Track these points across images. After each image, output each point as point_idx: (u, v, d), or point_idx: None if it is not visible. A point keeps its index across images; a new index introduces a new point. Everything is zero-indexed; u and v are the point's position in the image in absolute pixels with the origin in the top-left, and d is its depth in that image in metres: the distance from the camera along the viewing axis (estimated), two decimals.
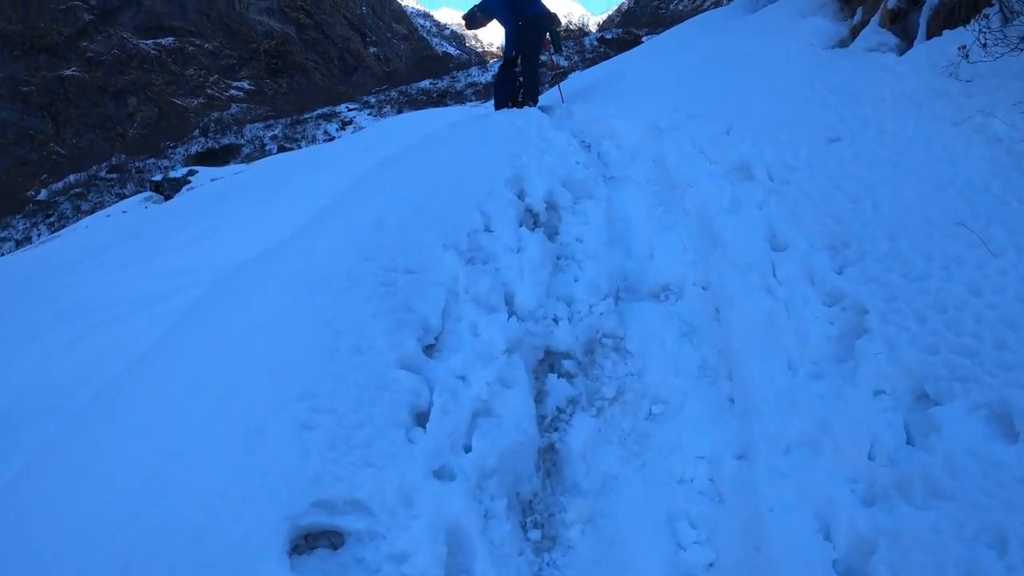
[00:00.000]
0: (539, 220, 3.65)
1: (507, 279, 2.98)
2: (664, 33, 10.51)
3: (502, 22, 6.50)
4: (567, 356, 2.84)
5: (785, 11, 6.06)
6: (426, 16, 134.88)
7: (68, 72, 55.43)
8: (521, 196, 3.72)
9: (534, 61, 6.78)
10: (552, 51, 7.15)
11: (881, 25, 4.69)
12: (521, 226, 3.41)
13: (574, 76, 10.15)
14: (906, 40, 4.41)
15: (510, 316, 2.76)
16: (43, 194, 32.78)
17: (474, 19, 6.73)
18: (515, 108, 6.52)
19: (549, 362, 2.82)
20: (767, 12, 6.54)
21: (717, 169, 3.81)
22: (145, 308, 4.98)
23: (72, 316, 5.35)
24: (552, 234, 3.63)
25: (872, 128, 3.26)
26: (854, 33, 5.05)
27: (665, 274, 3.31)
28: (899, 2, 4.54)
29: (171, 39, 61.70)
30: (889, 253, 2.47)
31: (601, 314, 3.00)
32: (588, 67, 26.92)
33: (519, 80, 6.89)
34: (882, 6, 4.72)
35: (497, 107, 6.89)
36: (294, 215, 5.23)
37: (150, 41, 60.66)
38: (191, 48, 62.40)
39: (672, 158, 4.24)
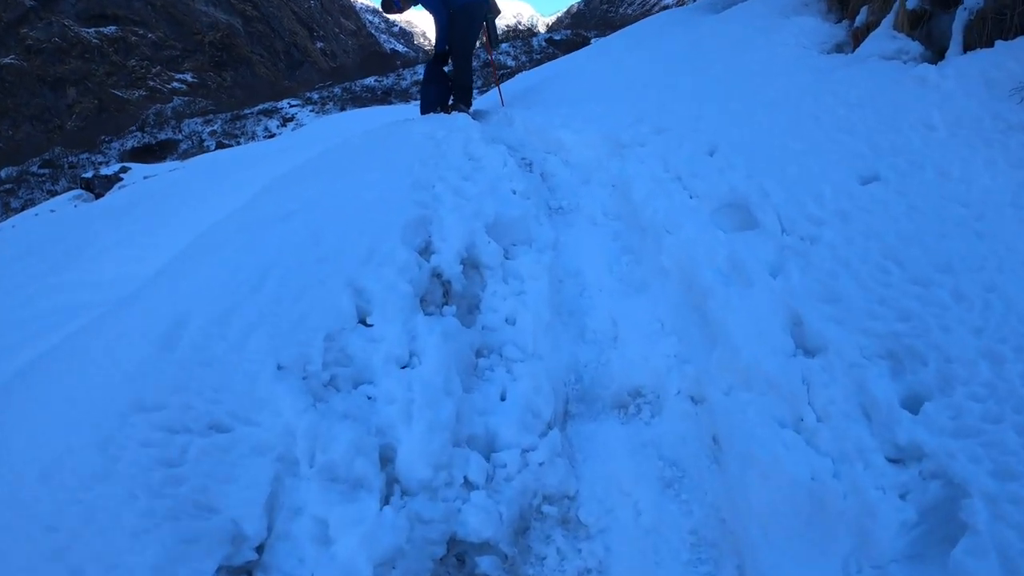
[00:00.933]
0: (451, 292, 2.56)
1: (385, 422, 1.88)
2: (616, 33, 9.34)
3: (430, 9, 5.37)
4: (485, 549, 1.76)
5: (758, 11, 5.14)
6: (375, 12, 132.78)
7: (6, 60, 52.45)
8: (426, 252, 2.62)
9: (467, 57, 5.69)
10: (489, 44, 6.16)
11: (896, 28, 3.82)
12: (420, 311, 2.28)
13: (520, 76, 9.03)
14: (933, 49, 3.53)
15: (387, 497, 1.73)
16: None
17: (390, 4, 5.46)
18: (443, 113, 5.52)
19: (455, 559, 1.75)
20: (736, 11, 5.59)
21: (702, 206, 2.80)
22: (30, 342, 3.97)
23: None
24: (471, 310, 2.54)
25: (927, 169, 2.30)
26: (857, 37, 4.19)
27: (636, 371, 2.25)
28: (922, 2, 3.66)
29: (114, 28, 58.93)
30: (992, 385, 1.53)
31: (541, 464, 1.89)
32: (535, 67, 26.31)
33: (450, 80, 5.84)
34: (897, 6, 3.84)
35: (423, 111, 5.81)
36: (183, 235, 4.72)
37: (92, 29, 57.81)
38: (134, 38, 59.73)
39: (638, 185, 3.19)
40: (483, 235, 2.76)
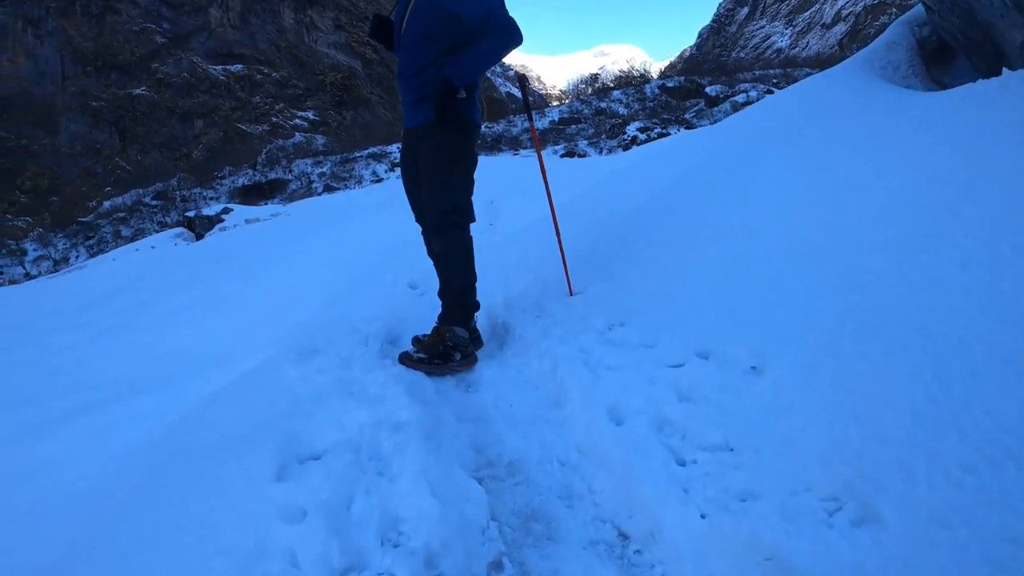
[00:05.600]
0: None
1: None
2: (734, 117, 6.42)
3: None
4: None
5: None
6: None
7: (138, 91, 56.15)
8: None
9: (443, 214, 3.22)
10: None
11: None
12: None
13: (599, 163, 7.50)
14: None
15: None
16: (89, 216, 32.32)
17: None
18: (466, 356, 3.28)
19: None
20: (980, 92, 3.20)
21: None
22: (80, 417, 3.62)
23: (28, 400, 4.10)
24: None
25: None
26: None
27: None
28: None
29: (240, 66, 62.31)
30: None
31: None
32: (638, 141, 24.50)
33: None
34: None
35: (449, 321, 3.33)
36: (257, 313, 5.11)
37: (219, 67, 61.34)
38: (259, 76, 62.90)
39: None
40: None
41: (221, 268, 8.43)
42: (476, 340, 3.44)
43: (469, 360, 3.27)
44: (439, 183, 3.17)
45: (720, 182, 4.38)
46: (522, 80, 3.70)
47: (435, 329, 3.31)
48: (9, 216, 41.88)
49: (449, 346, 3.21)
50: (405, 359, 3.18)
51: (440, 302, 3.45)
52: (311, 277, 6.12)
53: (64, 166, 50.06)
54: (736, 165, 4.53)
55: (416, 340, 3.43)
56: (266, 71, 63.56)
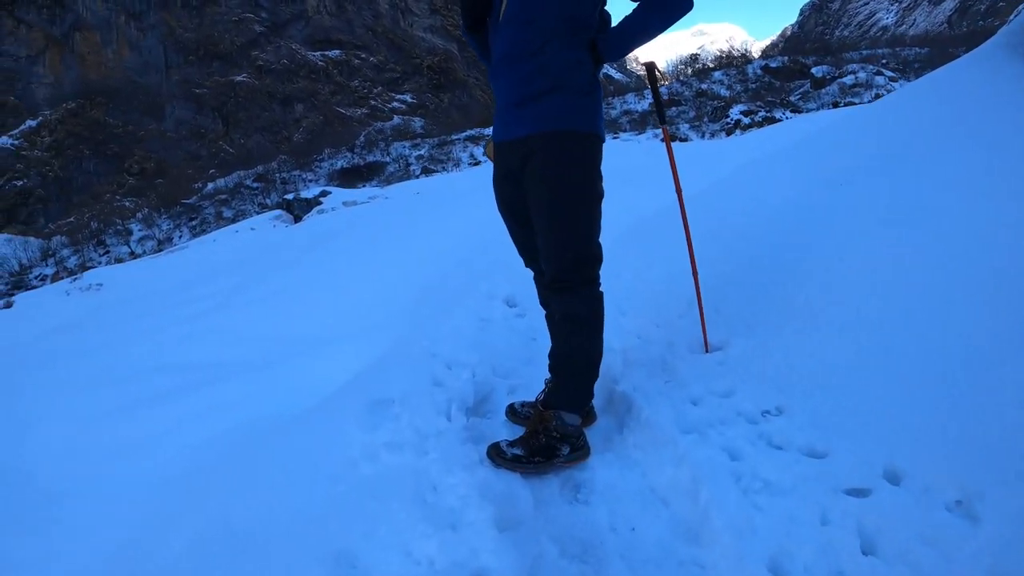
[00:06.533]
0: None
1: None
2: (854, 109, 5.18)
3: None
4: None
5: None
6: None
7: (239, 78, 58.40)
8: None
9: (564, 263, 2.28)
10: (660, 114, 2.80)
11: None
12: None
13: (704, 150, 6.66)
14: None
15: None
16: (192, 198, 33.65)
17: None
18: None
19: None
20: None
21: None
22: (172, 398, 3.69)
23: (111, 381, 4.19)
24: None
25: None
26: None
27: None
28: None
29: (338, 52, 63.84)
30: None
31: None
32: (741, 124, 22.92)
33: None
34: None
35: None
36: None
37: (318, 53, 63.00)
38: (356, 61, 64.31)
39: None
40: None
41: (314, 254, 8.44)
42: (588, 415, 2.61)
43: (580, 454, 2.40)
44: (572, 221, 2.21)
45: (884, 198, 3.32)
46: (650, 70, 2.69)
47: (538, 412, 2.39)
48: (118, 197, 44.58)
49: (555, 437, 2.32)
50: (496, 456, 2.31)
51: (550, 372, 2.45)
52: (401, 270, 5.88)
53: (170, 150, 52.81)
54: (903, 176, 3.47)
55: (511, 411, 2.72)
56: (363, 56, 64.86)
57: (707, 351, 2.84)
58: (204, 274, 8.89)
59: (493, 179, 2.49)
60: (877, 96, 24.29)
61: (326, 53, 63.57)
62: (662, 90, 37.40)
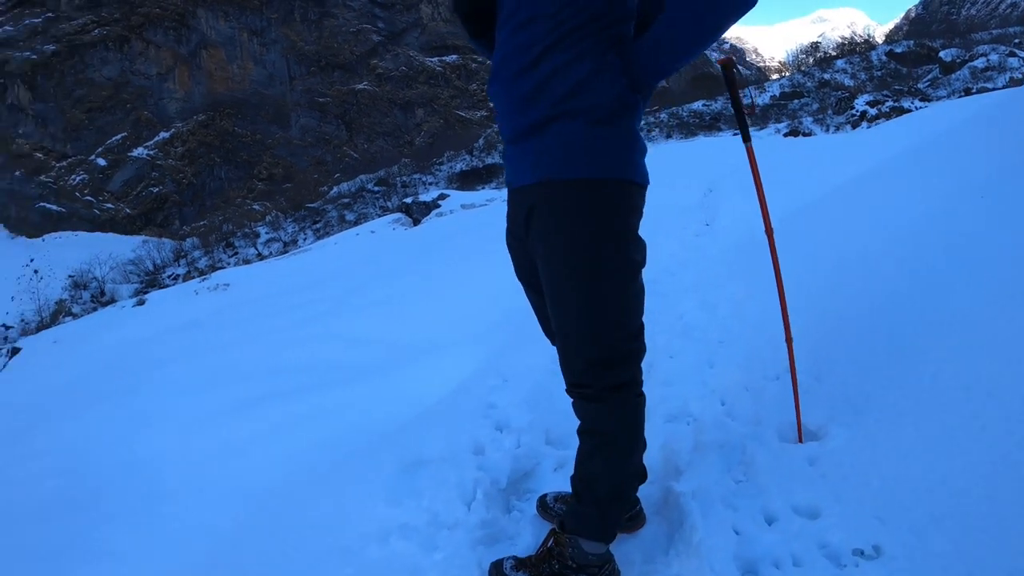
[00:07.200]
0: None
1: None
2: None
3: None
4: None
5: None
6: None
7: (360, 86, 60.83)
8: None
9: (584, 340, 1.63)
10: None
11: None
12: None
13: (828, 146, 5.84)
14: None
15: None
16: (317, 202, 35.38)
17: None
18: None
19: None
20: None
21: None
22: (271, 403, 3.60)
23: (219, 383, 4.20)
24: None
25: None
26: None
27: None
28: None
29: (455, 57, 65.18)
30: None
31: None
32: (867, 116, 21.02)
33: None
34: None
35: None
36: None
37: (435, 59, 64.64)
38: (474, 65, 65.37)
39: None
40: None
41: (427, 260, 8.44)
42: (634, 518, 2.02)
43: None
44: (585, 309, 1.59)
45: None
46: (727, 68, 2.00)
47: (554, 535, 1.84)
48: (248, 201, 47.64)
49: (570, 568, 1.74)
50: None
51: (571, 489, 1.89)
52: (492, 291, 5.58)
53: (297, 156, 55.82)
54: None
55: (542, 504, 2.16)
56: (480, 60, 66.00)
57: (800, 440, 2.24)
58: (322, 277, 9.12)
59: (507, 230, 1.87)
60: (1012, 80, 22.37)
61: (443, 58, 65.06)
62: (784, 81, 35.27)
